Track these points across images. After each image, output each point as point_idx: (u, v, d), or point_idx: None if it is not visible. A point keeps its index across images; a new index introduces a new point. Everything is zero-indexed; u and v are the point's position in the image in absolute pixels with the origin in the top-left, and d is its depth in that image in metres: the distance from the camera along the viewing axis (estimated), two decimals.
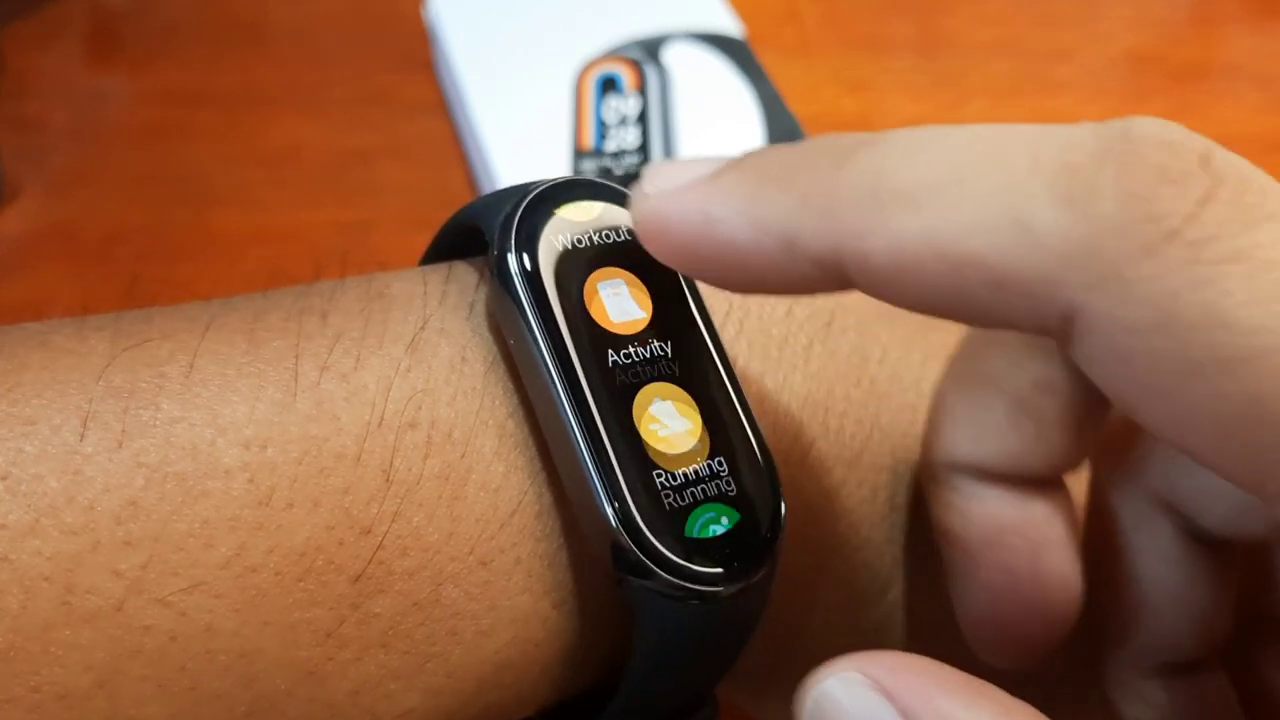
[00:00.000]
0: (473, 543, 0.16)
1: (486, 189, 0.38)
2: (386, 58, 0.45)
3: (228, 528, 0.15)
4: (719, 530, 0.16)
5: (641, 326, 0.17)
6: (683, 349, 0.17)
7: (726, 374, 0.17)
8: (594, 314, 0.17)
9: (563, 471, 0.17)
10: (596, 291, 0.17)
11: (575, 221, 0.17)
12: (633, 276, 0.17)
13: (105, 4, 0.47)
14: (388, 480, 0.16)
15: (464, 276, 0.18)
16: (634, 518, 0.16)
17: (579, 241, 0.17)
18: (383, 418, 0.16)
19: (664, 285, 0.18)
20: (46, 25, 0.46)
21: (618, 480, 0.16)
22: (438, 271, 0.19)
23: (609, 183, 0.18)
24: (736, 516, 0.16)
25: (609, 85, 0.39)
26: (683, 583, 0.16)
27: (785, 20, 0.48)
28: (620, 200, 0.18)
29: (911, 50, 0.47)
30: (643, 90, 0.39)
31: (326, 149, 0.41)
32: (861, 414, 0.20)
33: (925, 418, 0.20)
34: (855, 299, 0.20)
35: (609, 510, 0.16)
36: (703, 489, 0.16)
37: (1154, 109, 0.44)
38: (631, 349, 0.17)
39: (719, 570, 0.16)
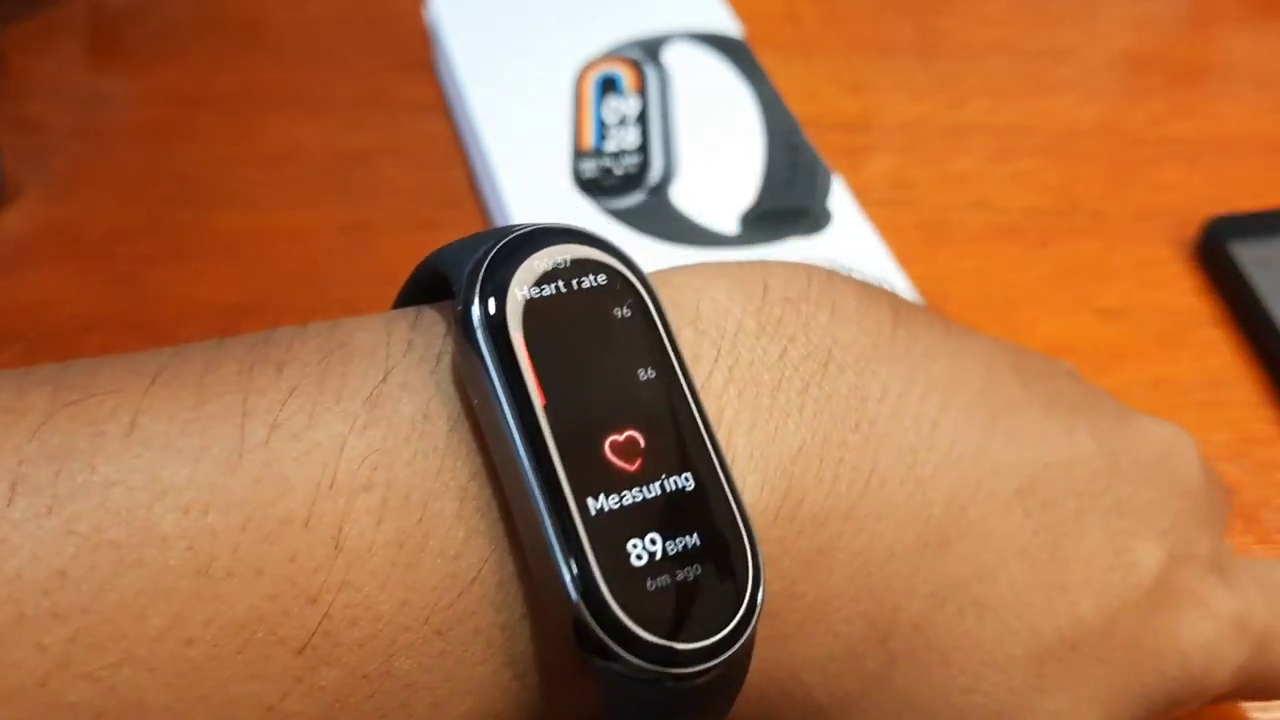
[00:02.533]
0: (428, 612, 0.16)
1: (486, 189, 0.38)
2: (386, 58, 0.45)
3: (163, 598, 0.14)
4: (694, 606, 0.16)
5: None
6: (661, 410, 0.17)
7: (707, 435, 0.17)
8: None
9: (525, 540, 0.16)
10: None
11: (547, 270, 0.17)
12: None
13: (105, 4, 0.47)
14: (337, 547, 0.15)
15: (431, 325, 0.17)
16: (600, 594, 0.15)
17: (551, 291, 0.17)
18: (335, 479, 0.15)
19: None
20: (47, 25, 0.46)
21: (584, 552, 0.15)
22: (404, 319, 0.18)
23: (584, 229, 0.18)
24: (714, 591, 0.16)
25: (609, 85, 0.39)
26: (652, 666, 0.15)
27: (785, 21, 0.48)
28: (597, 245, 0.17)
29: (911, 50, 0.47)
30: (643, 90, 0.39)
31: (326, 149, 0.41)
32: (859, 460, 0.19)
33: (924, 458, 0.19)
34: (854, 333, 0.20)
35: (571, 586, 0.15)
36: (678, 561, 0.16)
37: (1152, 109, 0.44)
38: None
39: (692, 648, 0.15)
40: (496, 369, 0.16)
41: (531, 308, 0.16)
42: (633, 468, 0.16)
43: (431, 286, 0.18)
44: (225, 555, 0.15)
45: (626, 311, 0.17)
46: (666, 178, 0.36)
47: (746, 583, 0.16)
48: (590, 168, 0.36)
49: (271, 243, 0.38)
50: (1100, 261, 0.39)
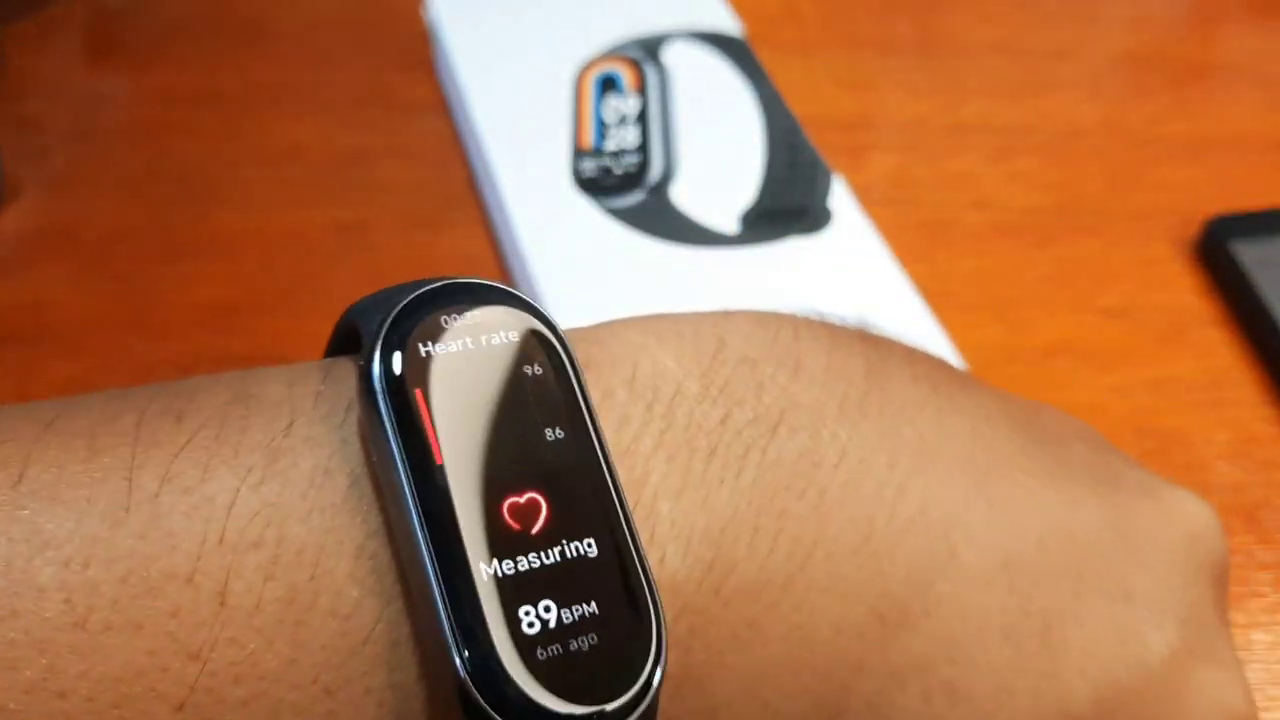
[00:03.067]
0: (317, 671, 0.15)
1: (486, 189, 0.38)
2: (386, 58, 0.45)
3: (36, 650, 0.14)
4: (586, 677, 0.15)
5: None
6: (567, 471, 0.16)
7: (617, 499, 0.16)
8: None
9: (418, 602, 0.15)
10: None
11: (455, 327, 0.16)
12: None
13: (105, 4, 0.47)
14: (222, 603, 0.15)
15: (344, 377, 0.17)
16: (486, 664, 0.14)
17: (457, 348, 0.16)
18: (224, 534, 0.15)
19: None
20: (46, 25, 0.46)
21: (471, 620, 0.15)
22: (316, 371, 0.17)
23: (500, 286, 0.17)
24: (610, 661, 0.15)
25: (609, 85, 0.39)
26: None
27: (785, 19, 0.48)
28: (510, 302, 0.17)
29: (911, 49, 0.47)
30: (642, 90, 0.39)
31: (326, 149, 0.41)
32: (801, 531, 0.18)
33: (883, 527, 0.18)
34: (816, 394, 0.19)
35: (456, 656, 0.14)
36: (573, 630, 0.15)
37: (1152, 109, 0.44)
38: None
39: (583, 717, 0.15)
40: (392, 426, 0.15)
41: (434, 364, 0.16)
42: (532, 531, 0.15)
43: (353, 339, 0.17)
44: (104, 609, 0.14)
45: (538, 369, 0.17)
46: (666, 177, 0.36)
47: (647, 655, 0.15)
48: (590, 167, 0.36)
49: (271, 242, 0.38)
50: (1101, 261, 0.39)
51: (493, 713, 0.14)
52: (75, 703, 0.14)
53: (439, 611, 0.15)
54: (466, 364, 0.16)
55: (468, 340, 0.16)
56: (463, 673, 0.14)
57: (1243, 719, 0.21)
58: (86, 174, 0.40)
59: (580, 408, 0.17)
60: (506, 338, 0.17)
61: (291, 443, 0.16)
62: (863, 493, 0.18)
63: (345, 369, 0.17)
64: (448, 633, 0.15)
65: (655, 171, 0.36)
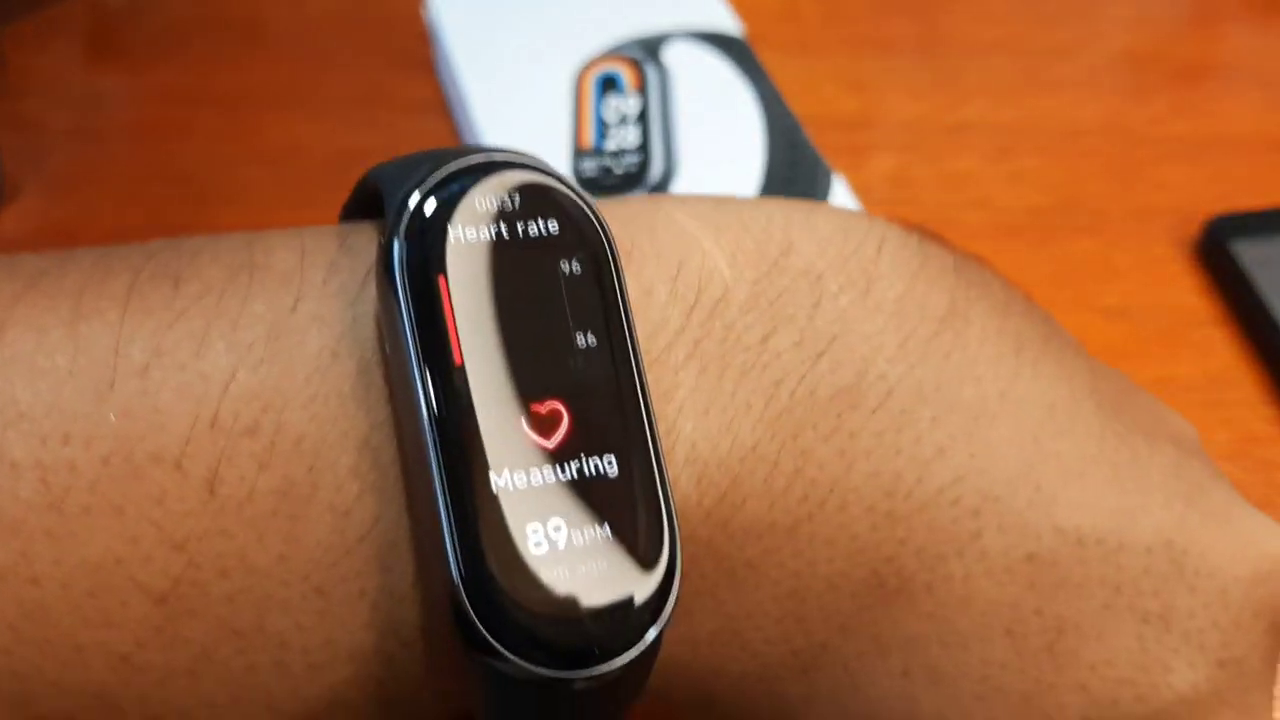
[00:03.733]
0: (309, 568, 0.14)
1: None
2: (386, 58, 0.45)
3: (9, 532, 0.13)
4: (592, 606, 0.14)
5: None
6: (595, 382, 0.15)
7: (646, 416, 0.15)
8: None
9: (419, 506, 0.14)
10: None
11: (491, 210, 0.15)
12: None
13: (105, 4, 0.47)
14: (211, 492, 0.14)
15: (363, 247, 0.16)
16: (485, 582, 0.13)
17: (490, 236, 0.15)
18: (216, 417, 0.14)
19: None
20: (46, 25, 0.46)
21: (475, 533, 0.13)
22: (332, 237, 0.16)
23: (547, 166, 0.16)
24: (618, 590, 0.14)
25: (609, 84, 0.39)
26: (532, 667, 0.14)
27: (785, 19, 0.48)
28: (558, 185, 0.15)
29: (911, 49, 0.47)
30: (643, 89, 0.39)
31: (326, 149, 0.41)
32: (819, 474, 0.16)
33: (909, 489, 0.16)
34: (879, 324, 0.17)
35: (455, 569, 0.13)
36: (583, 554, 0.14)
37: (1154, 108, 0.44)
38: None
39: (582, 649, 0.14)
40: (410, 317, 0.14)
41: (465, 252, 0.14)
42: (550, 444, 0.14)
43: (374, 203, 0.16)
44: (82, 490, 0.13)
45: (576, 267, 0.15)
46: (667, 177, 0.36)
47: (657, 587, 0.14)
48: (590, 166, 0.36)
49: None
50: (1102, 261, 0.39)
51: (485, 632, 0.13)
52: (50, 590, 0.13)
53: (441, 519, 0.14)
54: (499, 255, 0.15)
55: (504, 228, 0.15)
56: (459, 590, 0.13)
57: None
58: (86, 174, 0.40)
59: (619, 314, 0.15)
60: (547, 228, 0.15)
61: (298, 320, 0.15)
62: (896, 446, 0.17)
63: (365, 238, 0.16)
64: (448, 542, 0.13)
65: (656, 171, 0.36)
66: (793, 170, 0.36)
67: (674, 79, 0.39)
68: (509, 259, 0.15)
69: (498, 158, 0.15)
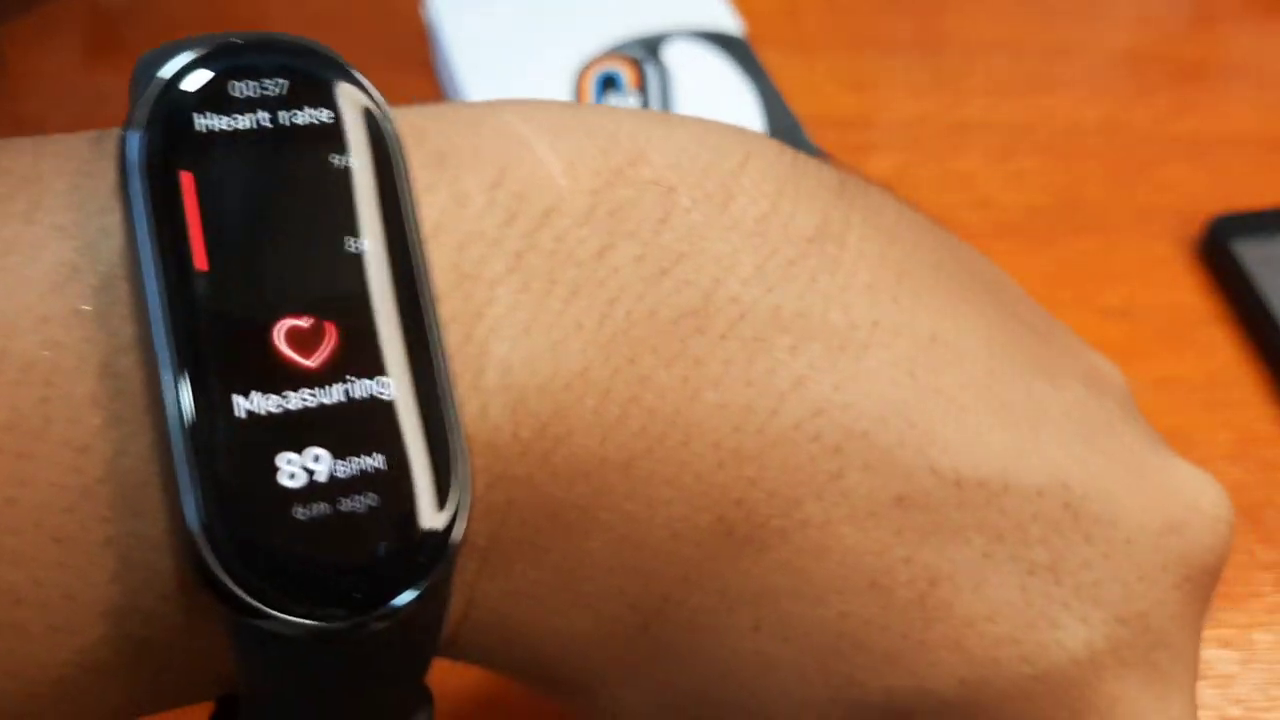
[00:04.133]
0: (42, 513, 0.12)
1: None
2: (386, 57, 0.45)
3: None
4: (356, 545, 0.12)
5: None
6: (365, 293, 0.13)
7: (429, 332, 0.13)
8: None
9: (160, 439, 0.12)
10: None
11: (250, 96, 0.13)
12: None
13: (105, 3, 0.47)
14: None
15: (118, 152, 0.13)
16: (229, 519, 0.12)
17: (248, 124, 0.13)
18: None
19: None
20: (46, 25, 0.46)
21: (217, 464, 0.12)
22: (82, 145, 0.14)
23: (319, 48, 0.14)
24: (390, 527, 0.13)
25: (609, 84, 0.39)
26: (284, 616, 0.12)
27: (785, 18, 0.48)
28: (328, 69, 0.14)
29: (912, 48, 0.47)
30: (643, 89, 0.39)
31: None
32: (659, 404, 0.14)
33: (760, 423, 0.15)
34: (734, 243, 0.15)
35: (192, 509, 0.12)
36: (347, 486, 0.12)
37: (1155, 108, 0.44)
38: None
39: (345, 592, 0.12)
40: (147, 214, 0.12)
41: (214, 143, 0.13)
42: (310, 364, 0.12)
43: None
44: None
45: (349, 161, 0.13)
46: None
47: (441, 531, 0.13)
48: None
49: None
50: (1103, 260, 0.38)
51: (225, 579, 0.12)
52: None
53: (176, 450, 0.12)
54: (256, 147, 0.13)
55: (263, 115, 0.13)
56: (194, 525, 0.12)
57: None
58: None
59: (398, 217, 0.13)
60: (315, 117, 0.13)
61: (35, 232, 0.13)
62: (747, 375, 0.15)
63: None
64: (183, 478, 0.12)
65: None
66: None
67: (674, 78, 0.39)
68: (268, 152, 0.13)
69: (264, 37, 0.14)
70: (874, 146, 0.42)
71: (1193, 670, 0.18)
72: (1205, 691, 0.28)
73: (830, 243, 0.16)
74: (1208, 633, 0.29)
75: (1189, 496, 0.18)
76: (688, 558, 0.15)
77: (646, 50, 0.40)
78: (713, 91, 0.39)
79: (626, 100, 0.39)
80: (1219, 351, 0.36)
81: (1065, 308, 0.37)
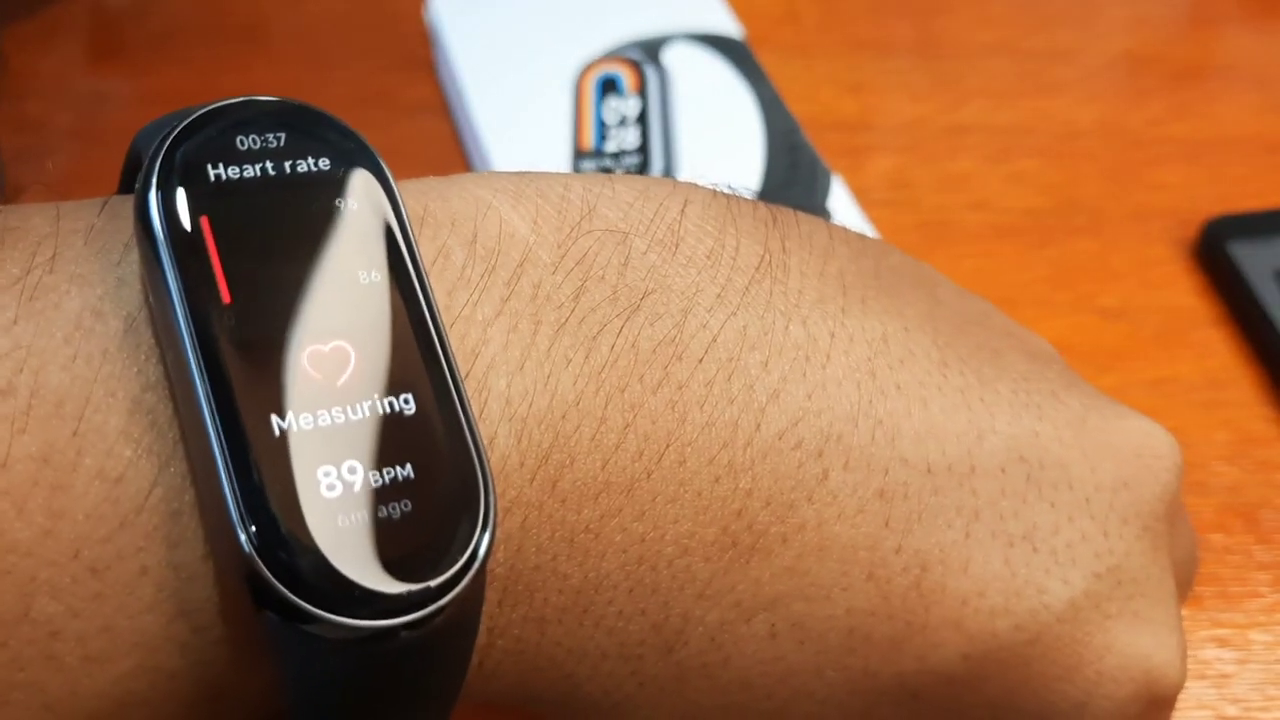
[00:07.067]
0: (79, 544, 0.13)
1: None
2: (386, 58, 0.45)
3: None
4: (397, 550, 0.13)
5: None
6: (382, 318, 0.14)
7: (442, 351, 0.14)
8: None
9: (197, 466, 0.13)
10: None
11: (253, 149, 0.14)
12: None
13: (106, 4, 0.47)
14: None
15: (125, 213, 0.14)
16: (281, 534, 0.12)
17: (255, 173, 0.14)
18: None
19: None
20: (47, 25, 0.46)
21: (262, 484, 0.12)
22: (92, 205, 0.15)
23: (313, 107, 0.15)
24: (426, 532, 0.13)
25: (609, 86, 0.39)
26: (335, 618, 0.12)
27: (784, 21, 0.48)
28: (323, 125, 0.15)
29: (910, 51, 0.47)
30: (643, 91, 0.39)
31: None
32: (652, 428, 0.15)
33: (747, 437, 0.16)
34: (693, 278, 0.16)
35: (240, 528, 0.12)
36: (383, 495, 0.13)
37: (1151, 110, 0.44)
38: None
39: (389, 593, 0.13)
40: (170, 258, 0.13)
41: (226, 190, 0.14)
42: (337, 383, 0.13)
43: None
44: None
45: (353, 204, 0.14)
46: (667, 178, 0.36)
47: (473, 527, 0.13)
48: (590, 168, 0.36)
49: None
50: (1100, 262, 0.39)
51: (284, 590, 0.12)
52: None
53: (219, 471, 0.12)
54: (266, 193, 0.14)
55: (269, 165, 0.14)
56: (246, 544, 0.12)
57: (1160, 682, 0.18)
58: (87, 174, 0.40)
59: (401, 249, 0.14)
60: (316, 165, 0.14)
61: (56, 280, 0.13)
62: (728, 394, 0.16)
63: (128, 204, 0.14)
64: (228, 497, 0.12)
65: (655, 172, 0.36)
66: (792, 172, 0.36)
67: (674, 81, 0.39)
68: (277, 197, 0.14)
69: (261, 99, 0.15)
70: (872, 148, 0.43)
71: (1173, 609, 0.19)
72: (1202, 691, 0.28)
73: (776, 268, 0.17)
74: (1204, 632, 0.29)
75: (1134, 448, 0.19)
76: (700, 573, 0.16)
77: (646, 53, 0.40)
78: (712, 94, 0.39)
79: (627, 102, 0.39)
80: (1215, 352, 0.36)
81: (1062, 309, 0.37)
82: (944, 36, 0.48)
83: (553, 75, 0.39)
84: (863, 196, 0.37)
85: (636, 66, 0.40)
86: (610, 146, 0.37)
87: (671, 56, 0.40)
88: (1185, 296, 0.38)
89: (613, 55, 0.40)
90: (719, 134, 0.38)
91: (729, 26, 0.42)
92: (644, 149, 0.37)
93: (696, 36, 0.41)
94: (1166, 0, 0.50)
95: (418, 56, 0.44)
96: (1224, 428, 0.34)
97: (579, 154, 0.37)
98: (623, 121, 0.38)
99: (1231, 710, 0.28)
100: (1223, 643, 0.29)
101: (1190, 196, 0.40)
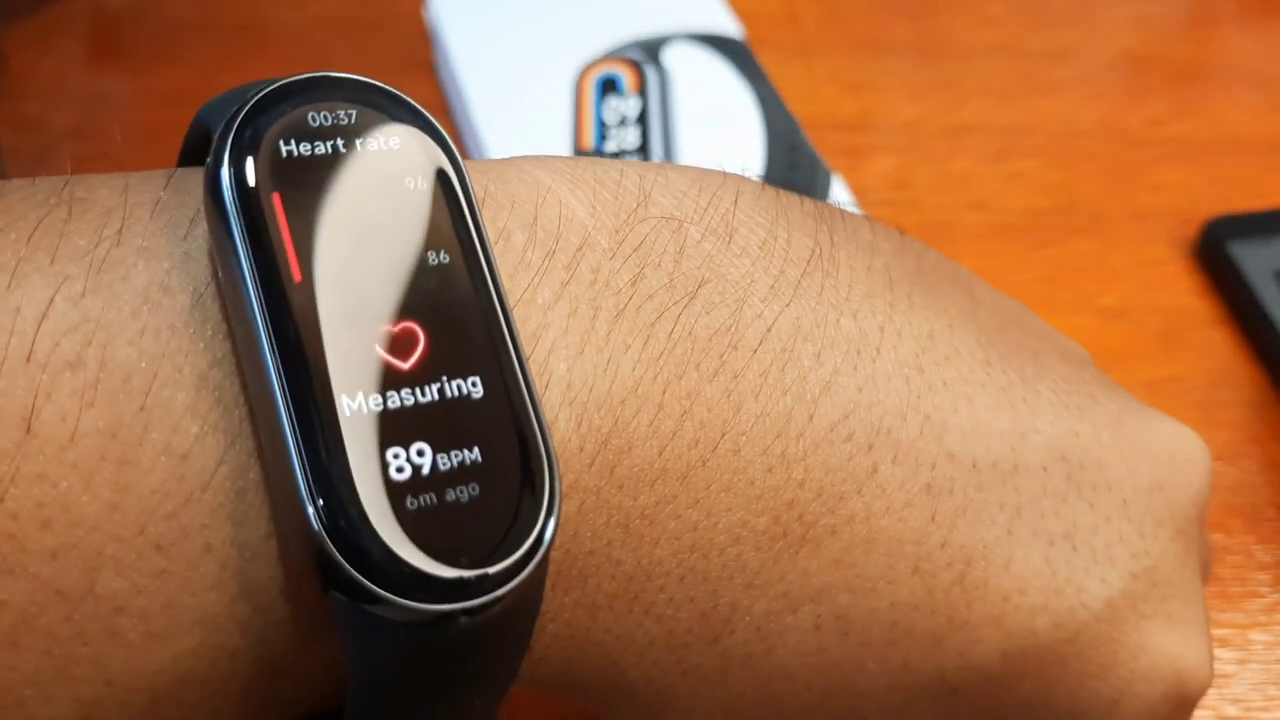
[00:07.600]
0: (145, 520, 0.13)
1: None
2: (386, 58, 0.45)
3: None
4: (464, 532, 0.13)
5: None
6: (451, 300, 0.14)
7: (508, 334, 0.14)
8: None
9: (266, 445, 0.13)
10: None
11: (323, 126, 0.14)
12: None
13: (106, 4, 0.47)
14: (28, 431, 0.12)
15: (192, 187, 0.14)
16: (350, 515, 0.12)
17: (325, 150, 0.14)
18: (31, 351, 0.12)
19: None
20: (47, 25, 0.46)
21: (331, 463, 0.12)
22: (158, 177, 0.15)
23: (381, 85, 0.15)
24: (493, 516, 0.13)
25: (609, 86, 0.39)
26: (403, 601, 0.12)
27: (784, 21, 0.48)
28: (392, 102, 0.15)
29: (910, 51, 0.47)
30: (643, 91, 0.39)
31: None
32: (709, 416, 0.15)
33: (800, 428, 0.16)
34: (747, 268, 0.16)
35: (310, 506, 0.12)
36: (450, 478, 0.13)
37: (1153, 110, 0.44)
38: None
39: (457, 577, 0.13)
40: (242, 234, 0.13)
41: (297, 166, 0.14)
42: (407, 365, 0.13)
43: (207, 147, 0.15)
44: None
45: (421, 183, 0.14)
46: None
47: (537, 511, 0.13)
48: None
49: None
50: (1100, 262, 0.39)
51: (352, 570, 0.12)
52: None
53: (289, 450, 0.12)
54: (336, 170, 0.14)
55: (339, 142, 0.14)
56: (315, 524, 0.12)
57: (1189, 683, 0.19)
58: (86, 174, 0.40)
59: (470, 231, 0.14)
60: (386, 143, 0.14)
61: (123, 253, 0.13)
62: (782, 384, 0.16)
63: (194, 178, 0.15)
64: (299, 476, 0.12)
65: None
66: (792, 171, 0.36)
67: (674, 81, 0.39)
68: (347, 175, 0.14)
69: (331, 75, 0.15)
70: (872, 148, 0.43)
71: (1202, 612, 0.19)
72: None
73: (825, 261, 0.17)
74: None
75: (1169, 452, 0.19)
76: (749, 562, 0.16)
77: (646, 53, 0.40)
78: (712, 94, 0.39)
79: (627, 102, 0.39)
80: (1215, 352, 0.36)
81: (1062, 309, 0.37)
82: (944, 36, 0.48)
83: (553, 75, 0.39)
84: (863, 196, 0.37)
85: (636, 66, 0.40)
86: (610, 146, 0.37)
87: (671, 56, 0.40)
88: (1185, 296, 0.38)
89: (613, 55, 0.40)
90: (719, 134, 0.38)
91: (729, 26, 0.42)
92: (644, 149, 0.37)
93: (696, 36, 0.41)
94: (1166, 0, 0.50)
95: (418, 56, 0.44)
96: (1223, 428, 0.34)
97: (579, 154, 0.37)
98: (623, 121, 0.38)
99: (1231, 710, 0.28)
100: (1223, 643, 0.29)
101: (1190, 196, 0.40)
